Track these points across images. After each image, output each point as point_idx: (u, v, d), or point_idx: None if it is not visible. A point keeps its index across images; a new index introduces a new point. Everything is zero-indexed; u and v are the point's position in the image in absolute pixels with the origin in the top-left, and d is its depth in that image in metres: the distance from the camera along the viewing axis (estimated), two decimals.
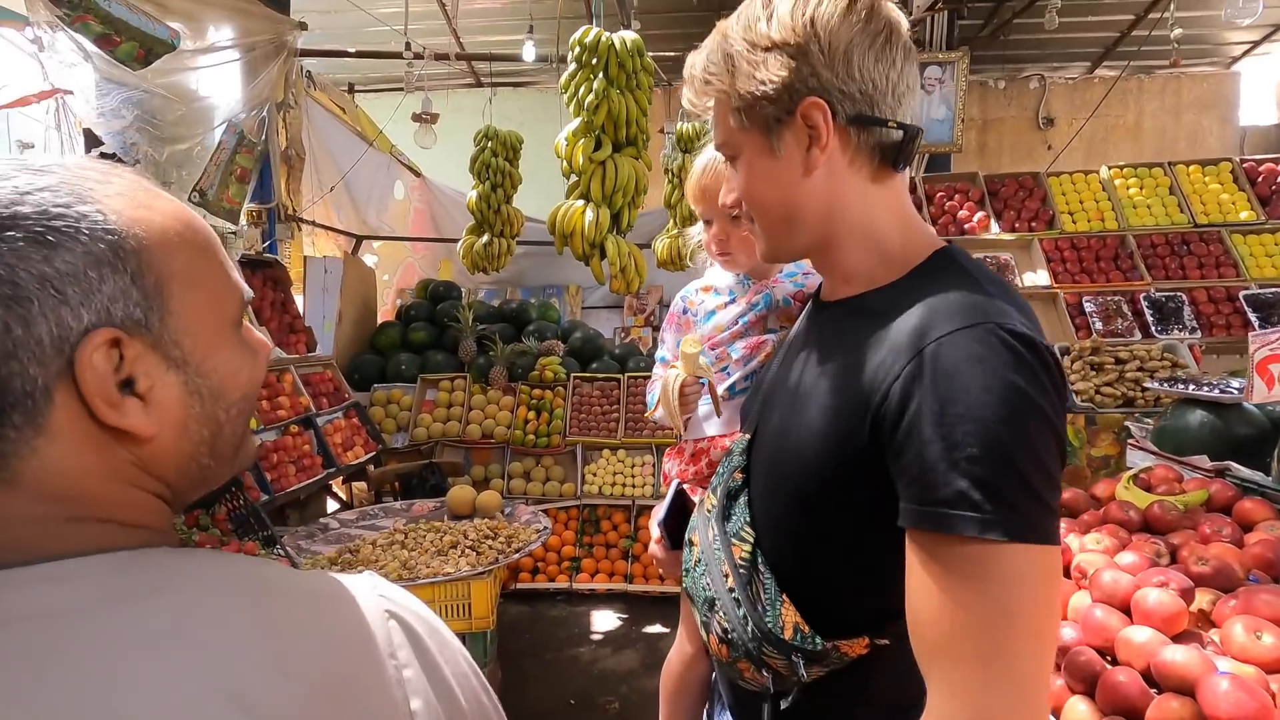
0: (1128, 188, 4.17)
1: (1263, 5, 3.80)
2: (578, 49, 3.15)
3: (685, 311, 1.36)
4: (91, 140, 2.94)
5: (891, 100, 0.73)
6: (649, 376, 1.46)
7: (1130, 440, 2.21)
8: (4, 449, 0.41)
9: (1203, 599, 1.19)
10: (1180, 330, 3.54)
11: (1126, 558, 1.31)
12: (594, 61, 3.13)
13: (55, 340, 0.41)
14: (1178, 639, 1.10)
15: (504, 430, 4.07)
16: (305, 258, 4.34)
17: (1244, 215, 3.95)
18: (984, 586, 0.58)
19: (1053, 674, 1.07)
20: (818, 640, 0.75)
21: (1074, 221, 4.07)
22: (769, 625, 0.77)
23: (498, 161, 4.38)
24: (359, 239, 5.24)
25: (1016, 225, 4.10)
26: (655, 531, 1.17)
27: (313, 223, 4.54)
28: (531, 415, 4.12)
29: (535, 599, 3.71)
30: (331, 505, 3.78)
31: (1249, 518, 1.41)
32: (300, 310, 3.89)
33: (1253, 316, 3.49)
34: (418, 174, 6.22)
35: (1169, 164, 4.23)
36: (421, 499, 3.07)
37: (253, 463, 2.04)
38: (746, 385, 1.21)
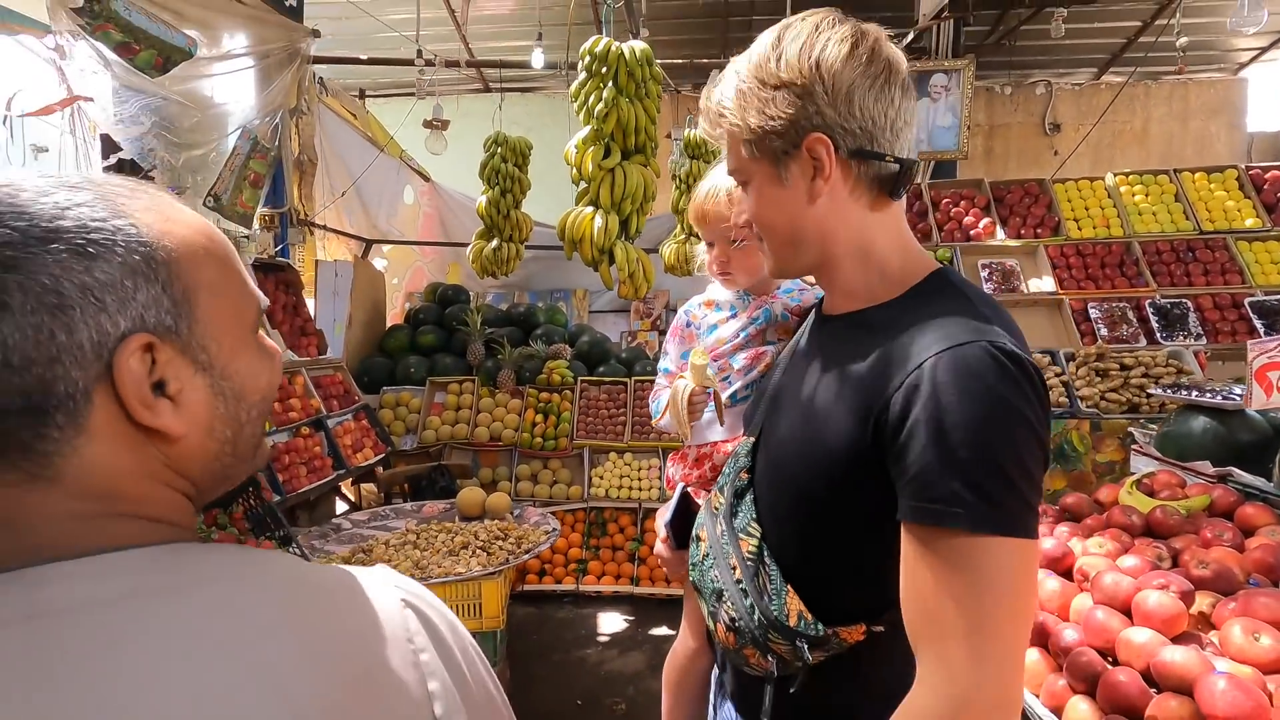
0: (1133, 194, 4.18)
1: (1267, 14, 3.81)
2: (588, 58, 3.19)
3: (689, 325, 1.42)
4: (109, 146, 2.99)
5: (890, 135, 0.80)
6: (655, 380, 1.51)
7: (1134, 446, 2.23)
8: (48, 448, 0.44)
9: (1203, 601, 1.21)
10: (1185, 337, 3.54)
11: (1128, 561, 1.33)
12: (604, 71, 3.16)
13: (95, 345, 0.44)
14: (1177, 640, 1.12)
15: (512, 433, 4.09)
16: (316, 261, 4.39)
17: (1250, 222, 3.96)
18: (972, 575, 0.67)
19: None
20: (820, 627, 0.82)
21: (1080, 228, 4.08)
22: (775, 613, 0.83)
23: (507, 167, 4.41)
24: (369, 243, 5.29)
25: (1022, 231, 4.12)
26: (661, 531, 1.22)
27: (324, 227, 4.59)
28: (539, 418, 4.14)
29: (542, 600, 3.73)
30: (341, 507, 3.81)
31: (1250, 523, 1.43)
32: (311, 313, 3.94)
33: (1258, 323, 3.49)
34: (427, 179, 6.27)
35: (1175, 171, 4.24)
36: (431, 500, 3.11)
37: (266, 463, 2.08)
38: (747, 394, 1.26)
